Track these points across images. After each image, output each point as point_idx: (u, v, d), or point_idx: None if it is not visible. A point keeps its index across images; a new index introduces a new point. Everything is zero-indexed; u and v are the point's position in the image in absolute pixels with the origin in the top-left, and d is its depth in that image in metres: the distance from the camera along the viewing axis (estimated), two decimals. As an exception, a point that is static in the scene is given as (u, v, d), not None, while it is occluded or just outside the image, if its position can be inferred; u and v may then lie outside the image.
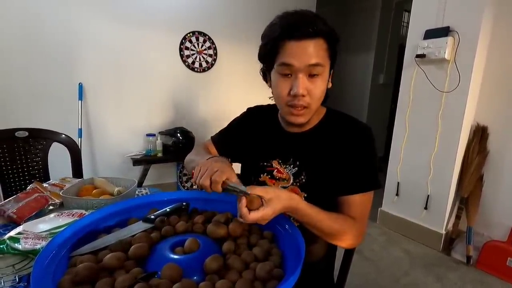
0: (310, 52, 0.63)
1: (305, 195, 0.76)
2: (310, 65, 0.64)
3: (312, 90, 0.67)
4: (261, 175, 0.82)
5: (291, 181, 0.77)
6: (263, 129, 0.85)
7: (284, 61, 0.65)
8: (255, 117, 0.89)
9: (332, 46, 0.66)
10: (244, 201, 0.54)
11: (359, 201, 0.70)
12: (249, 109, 0.93)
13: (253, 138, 0.86)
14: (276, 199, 0.56)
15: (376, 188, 0.72)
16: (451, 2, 1.79)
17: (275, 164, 0.80)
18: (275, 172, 0.80)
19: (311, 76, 0.66)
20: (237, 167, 0.92)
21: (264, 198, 0.56)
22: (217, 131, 0.96)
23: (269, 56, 0.68)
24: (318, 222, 0.62)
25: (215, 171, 0.58)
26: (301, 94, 0.65)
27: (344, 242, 0.69)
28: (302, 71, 0.65)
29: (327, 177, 0.74)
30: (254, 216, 0.54)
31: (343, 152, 0.72)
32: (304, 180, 0.76)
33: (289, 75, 0.67)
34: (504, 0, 1.76)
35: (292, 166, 0.78)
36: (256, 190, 0.55)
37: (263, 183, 0.81)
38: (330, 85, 0.73)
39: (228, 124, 0.94)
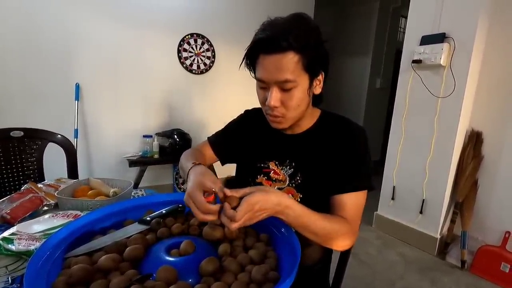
0: (279, 67, 0.64)
1: (301, 196, 0.77)
2: (279, 81, 0.65)
3: (286, 102, 0.68)
4: (258, 177, 0.82)
5: (287, 182, 0.78)
6: (260, 131, 0.85)
7: (257, 76, 0.69)
8: (252, 118, 0.89)
9: (307, 57, 0.65)
10: (227, 205, 0.53)
11: (351, 201, 0.70)
12: (246, 111, 0.94)
13: (250, 140, 0.87)
14: (259, 191, 0.55)
15: (369, 189, 0.73)
16: (447, 8, 1.82)
17: (271, 165, 0.81)
18: (271, 174, 0.80)
19: (284, 89, 0.67)
20: (232, 167, 0.92)
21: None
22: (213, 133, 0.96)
23: (250, 69, 0.73)
24: (312, 223, 0.61)
25: (191, 199, 0.57)
26: (273, 106, 0.68)
27: (337, 244, 0.67)
28: (274, 85, 0.67)
29: (322, 177, 0.74)
30: (240, 213, 0.52)
31: (336, 153, 0.73)
32: (300, 181, 0.77)
33: (265, 87, 0.69)
34: (499, 7, 1.79)
35: (288, 167, 0.78)
36: (239, 192, 0.55)
37: (260, 185, 0.81)
38: (318, 90, 0.73)
39: (226, 126, 0.94)
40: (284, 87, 0.66)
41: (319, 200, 0.73)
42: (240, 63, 0.72)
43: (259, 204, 0.54)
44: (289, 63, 0.63)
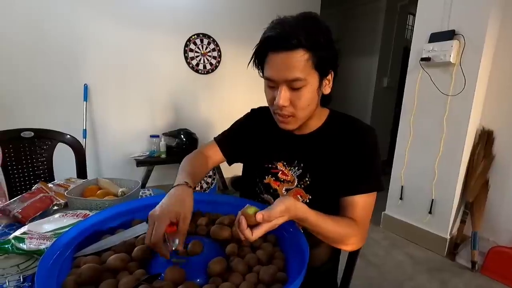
0: (288, 65, 0.63)
1: (310, 197, 0.76)
2: (288, 80, 0.64)
3: (295, 101, 0.67)
4: (266, 177, 0.82)
5: (296, 183, 0.77)
6: (267, 131, 0.84)
7: (266, 75, 0.68)
8: (259, 118, 0.88)
9: (317, 56, 0.64)
10: (244, 223, 0.52)
11: (361, 203, 0.70)
12: (252, 110, 0.93)
13: (257, 139, 0.86)
14: (285, 214, 0.54)
15: (379, 190, 0.72)
16: (457, 5, 1.79)
17: (280, 166, 0.80)
18: (279, 174, 0.80)
19: (294, 88, 0.66)
20: (239, 166, 0.92)
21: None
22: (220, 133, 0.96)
23: (258, 68, 0.71)
24: (324, 229, 0.62)
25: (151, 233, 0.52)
26: (281, 105, 0.67)
27: (348, 246, 0.69)
28: (283, 84, 0.66)
29: (331, 178, 0.74)
30: (257, 235, 0.52)
31: (346, 153, 0.72)
32: (308, 182, 0.76)
33: (273, 86, 0.68)
34: (510, 4, 1.75)
35: (296, 168, 0.78)
36: (274, 213, 0.53)
37: (268, 185, 0.81)
38: (328, 90, 0.72)
39: (232, 125, 0.93)
40: (293, 86, 0.65)
41: (328, 201, 0.72)
42: (249, 61, 0.71)
43: (278, 225, 0.54)
44: (298, 61, 0.62)
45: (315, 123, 0.78)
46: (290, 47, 0.62)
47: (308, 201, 0.76)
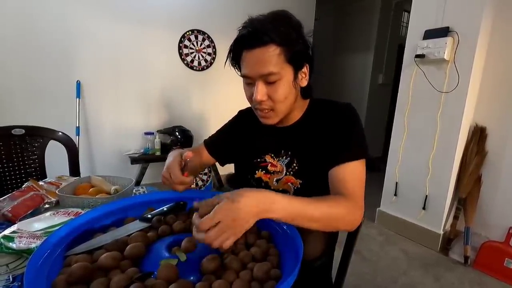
0: (261, 60, 0.65)
1: (301, 181, 0.77)
2: (263, 74, 0.66)
3: (272, 95, 0.69)
4: (256, 172, 0.83)
5: (284, 171, 0.79)
6: (254, 128, 0.86)
7: (242, 73, 0.71)
8: (246, 118, 0.90)
9: (289, 50, 0.66)
10: (195, 216, 0.49)
11: (348, 173, 0.68)
12: (240, 112, 0.96)
13: (245, 138, 0.88)
14: (226, 200, 0.49)
15: (364, 157, 0.70)
16: (451, 2, 1.79)
17: (268, 158, 0.82)
18: (269, 167, 0.81)
19: (269, 83, 0.68)
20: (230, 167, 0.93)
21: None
22: (215, 131, 0.97)
23: (235, 67, 0.74)
24: (307, 211, 0.56)
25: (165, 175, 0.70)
26: (259, 100, 0.69)
27: (343, 224, 0.63)
28: (259, 79, 0.67)
29: (317, 159, 0.74)
30: (205, 222, 0.46)
31: (327, 132, 0.74)
32: (296, 168, 0.77)
33: (251, 83, 0.70)
34: (503, 1, 1.76)
35: (284, 157, 0.79)
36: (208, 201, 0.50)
37: (259, 179, 0.83)
38: (305, 83, 0.74)
39: (221, 128, 0.96)
40: (269, 80, 0.67)
41: (319, 182, 0.73)
42: (225, 62, 0.74)
43: (246, 227, 0.49)
44: (271, 56, 0.65)
45: (297, 115, 0.80)
46: (261, 43, 0.64)
47: (299, 186, 0.77)
